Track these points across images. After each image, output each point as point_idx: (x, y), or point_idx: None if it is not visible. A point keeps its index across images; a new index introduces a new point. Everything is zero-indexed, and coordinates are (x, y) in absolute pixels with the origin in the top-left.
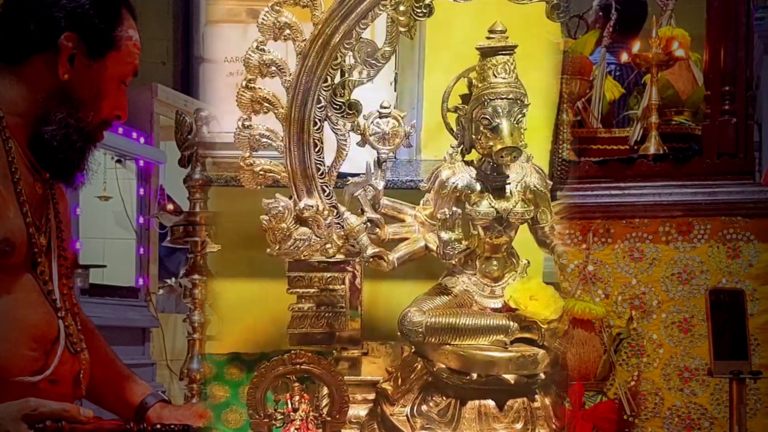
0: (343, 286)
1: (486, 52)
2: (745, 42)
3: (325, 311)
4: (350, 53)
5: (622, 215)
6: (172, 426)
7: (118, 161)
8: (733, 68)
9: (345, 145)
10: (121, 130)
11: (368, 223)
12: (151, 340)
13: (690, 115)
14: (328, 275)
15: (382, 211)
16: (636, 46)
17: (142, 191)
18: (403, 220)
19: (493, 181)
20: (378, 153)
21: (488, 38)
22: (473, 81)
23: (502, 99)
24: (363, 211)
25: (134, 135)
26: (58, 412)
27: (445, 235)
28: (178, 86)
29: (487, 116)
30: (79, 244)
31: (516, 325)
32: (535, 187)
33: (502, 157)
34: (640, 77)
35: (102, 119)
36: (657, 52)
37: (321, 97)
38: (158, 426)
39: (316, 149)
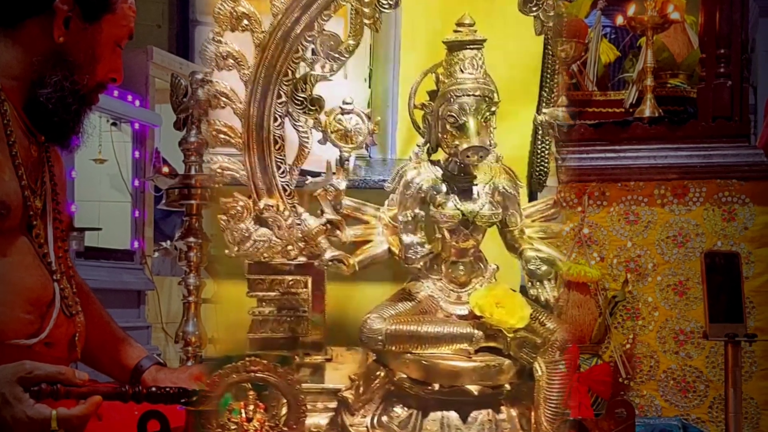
0: (305, 290)
1: (453, 46)
2: (741, 4)
3: (287, 315)
4: (312, 46)
5: (618, 178)
6: (168, 389)
7: (114, 124)
8: (729, 31)
9: (307, 142)
10: (116, 92)
11: (328, 225)
12: (146, 302)
13: (685, 78)
14: (290, 278)
15: (344, 212)
16: (631, 9)
17: (137, 154)
18: (366, 222)
19: (460, 182)
20: (340, 151)
21: (455, 32)
22: (440, 77)
23: (468, 96)
24: (322, 212)
25: (129, 98)
26: (53, 375)
27: (407, 239)
28: (174, 49)
29: (453, 114)
30: (74, 207)
31: (481, 333)
32: (503, 188)
33: (468, 156)
34: (635, 40)
35: (97, 82)
36: (652, 15)
37: (281, 92)
38: (153, 389)
39: (277, 146)
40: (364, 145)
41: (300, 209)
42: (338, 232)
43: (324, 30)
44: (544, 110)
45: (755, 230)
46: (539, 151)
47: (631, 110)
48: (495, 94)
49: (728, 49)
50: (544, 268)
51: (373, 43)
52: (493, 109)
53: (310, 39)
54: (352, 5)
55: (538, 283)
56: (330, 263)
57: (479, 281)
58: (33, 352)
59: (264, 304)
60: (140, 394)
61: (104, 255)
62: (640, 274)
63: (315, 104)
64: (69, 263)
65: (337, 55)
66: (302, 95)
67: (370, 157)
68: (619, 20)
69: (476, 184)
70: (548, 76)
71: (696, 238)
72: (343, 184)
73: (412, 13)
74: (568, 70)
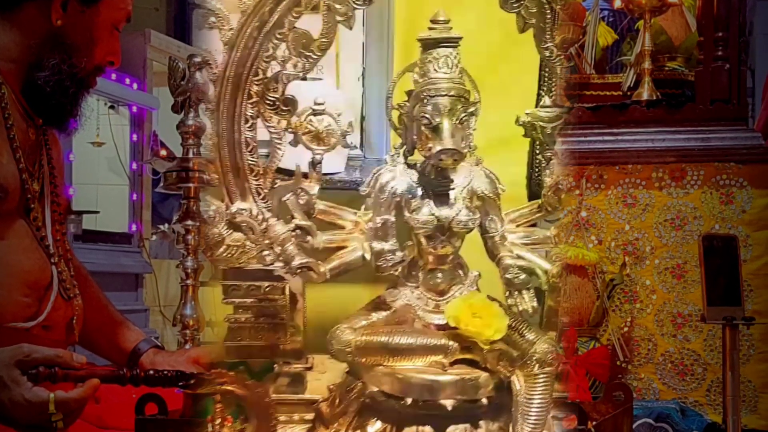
0: (283, 296)
1: (427, 44)
2: None
3: (264, 322)
4: (283, 44)
5: (615, 161)
6: (166, 372)
7: (111, 107)
8: (726, 14)
9: (280, 144)
10: (114, 76)
11: (297, 231)
12: (144, 285)
13: (683, 61)
14: (267, 284)
15: (318, 216)
16: None
17: (135, 137)
18: (342, 227)
19: (436, 186)
20: (312, 153)
21: (430, 28)
22: (415, 76)
23: (442, 96)
24: (292, 218)
25: (127, 81)
26: (51, 358)
27: (377, 246)
28: (171, 32)
29: (427, 115)
30: (72, 190)
31: (456, 345)
32: (482, 192)
33: (441, 159)
34: (633, 23)
35: (95, 65)
36: None
37: (252, 92)
38: (151, 372)
39: (249, 148)
40: (336, 147)
41: (268, 214)
42: (309, 238)
43: (295, 27)
44: (526, 111)
45: (753, 213)
46: (538, 151)
47: (628, 93)
48: (471, 95)
49: (726, 32)
50: (522, 277)
51: (366, 42)
52: (471, 109)
53: (280, 37)
54: (324, 2)
55: (516, 293)
56: (299, 271)
57: (459, 289)
58: (31, 335)
59: (240, 311)
60: (138, 378)
61: (102, 238)
62: (638, 257)
63: (288, 105)
64: (67, 246)
65: (309, 54)
66: (274, 95)
67: (365, 157)
68: (617, 3)
69: (453, 188)
70: (546, 74)
71: (694, 221)
72: (315, 188)
73: (406, 11)
74: (566, 53)
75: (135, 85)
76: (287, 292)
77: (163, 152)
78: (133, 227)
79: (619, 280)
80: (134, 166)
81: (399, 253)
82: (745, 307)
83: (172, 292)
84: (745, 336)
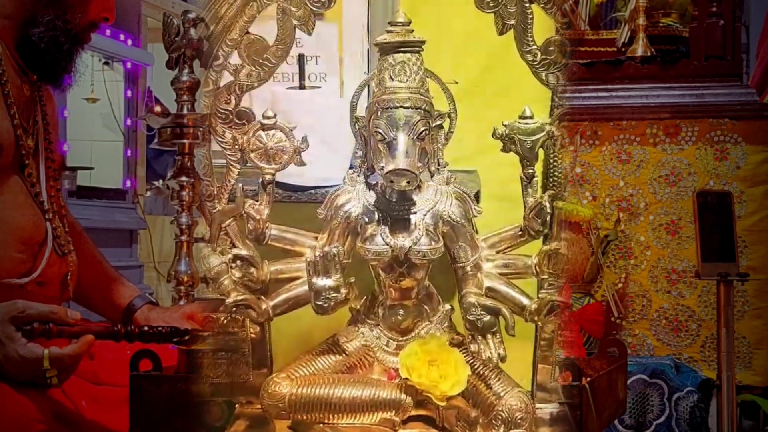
0: (243, 329)
1: (383, 49)
2: None
3: (224, 357)
4: (235, 52)
5: (610, 117)
6: (160, 328)
7: (106, 63)
8: None
9: (234, 161)
10: (108, 32)
11: (237, 262)
12: (138, 242)
13: (677, 17)
14: (224, 316)
15: (272, 243)
16: None
17: (129, 93)
18: (301, 254)
19: (396, 210)
20: (262, 173)
21: (388, 31)
22: (372, 85)
23: (397, 107)
24: (233, 246)
25: (122, 37)
26: (45, 314)
27: (318, 282)
28: None
29: (380, 129)
30: (66, 146)
31: (409, 399)
32: (449, 217)
33: (392, 181)
34: None
35: (89, 21)
36: None
37: (202, 104)
38: (146, 328)
39: (201, 166)
40: (289, 166)
41: (201, 245)
42: (253, 269)
43: (248, 33)
44: (504, 123)
45: (747, 169)
46: (552, 161)
47: (623, 49)
48: (430, 106)
49: None
50: (486, 319)
51: (371, 48)
52: (439, 122)
53: (231, 44)
54: (279, 5)
55: (479, 338)
56: (234, 309)
57: (425, 327)
58: (25, 291)
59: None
60: (132, 334)
61: (96, 194)
62: (632, 213)
63: (242, 118)
64: (61, 202)
65: (263, 62)
66: (226, 107)
67: None
68: None
69: (415, 212)
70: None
71: (688, 177)
72: (265, 212)
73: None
74: (561, 9)
75: (129, 41)
76: (248, 324)
77: (158, 108)
78: (128, 183)
79: (613, 236)
80: (129, 122)
81: (343, 290)
82: (740, 263)
83: (167, 249)
84: (739, 292)
